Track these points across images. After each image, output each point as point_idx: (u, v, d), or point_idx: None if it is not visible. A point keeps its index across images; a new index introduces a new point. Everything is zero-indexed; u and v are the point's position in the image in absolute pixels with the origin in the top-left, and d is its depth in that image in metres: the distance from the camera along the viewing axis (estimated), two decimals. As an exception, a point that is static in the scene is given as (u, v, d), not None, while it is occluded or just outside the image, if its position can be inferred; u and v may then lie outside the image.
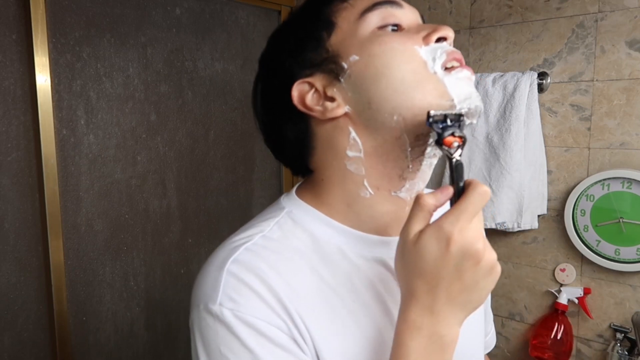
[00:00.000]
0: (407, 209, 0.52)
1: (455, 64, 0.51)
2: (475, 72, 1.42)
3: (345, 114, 0.52)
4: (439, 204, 0.47)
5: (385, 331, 0.53)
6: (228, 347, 0.46)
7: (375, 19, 0.52)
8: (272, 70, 0.57)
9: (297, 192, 0.59)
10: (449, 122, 0.47)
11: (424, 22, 0.56)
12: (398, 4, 0.53)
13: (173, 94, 1.42)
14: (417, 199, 0.46)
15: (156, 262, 1.43)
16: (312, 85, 0.53)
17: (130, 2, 1.30)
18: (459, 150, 0.47)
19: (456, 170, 0.46)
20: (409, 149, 0.52)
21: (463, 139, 0.47)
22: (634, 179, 1.19)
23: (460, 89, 0.50)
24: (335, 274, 0.53)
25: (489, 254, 0.44)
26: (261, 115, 0.59)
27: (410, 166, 0.53)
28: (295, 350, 0.48)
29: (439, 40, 0.51)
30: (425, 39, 0.51)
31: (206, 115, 1.51)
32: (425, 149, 0.52)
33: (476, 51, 1.43)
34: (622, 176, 1.21)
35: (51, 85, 1.16)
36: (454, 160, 0.46)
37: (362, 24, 0.52)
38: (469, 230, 0.43)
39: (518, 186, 1.31)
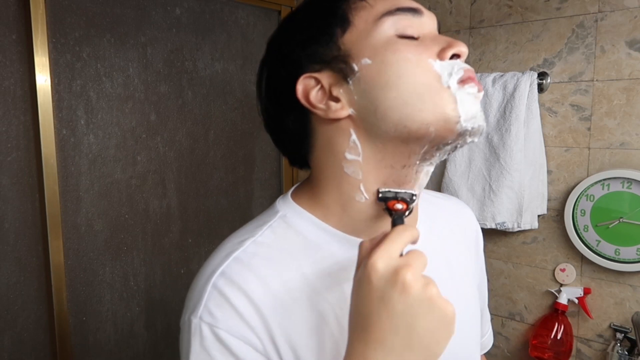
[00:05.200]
0: None
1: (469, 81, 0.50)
2: (475, 72, 1.42)
3: (349, 116, 0.51)
4: (375, 242, 0.45)
5: None
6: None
7: (392, 24, 0.50)
8: (279, 57, 0.55)
9: (293, 194, 0.58)
10: (398, 198, 0.51)
11: (439, 30, 0.55)
12: (419, 12, 0.52)
13: (173, 94, 1.42)
14: (359, 246, 0.46)
15: (156, 262, 1.42)
16: (318, 82, 0.52)
17: (130, 2, 1.30)
18: (404, 214, 0.49)
19: (393, 223, 0.48)
20: (408, 158, 0.51)
21: (408, 207, 0.50)
22: (634, 179, 1.19)
23: (468, 107, 0.49)
24: (325, 280, 0.52)
25: (425, 287, 0.40)
26: (264, 101, 0.58)
27: (407, 174, 0.52)
28: None
29: (453, 56, 0.50)
30: (440, 54, 0.50)
31: (206, 115, 1.51)
32: (424, 158, 0.51)
33: (476, 51, 1.43)
34: (622, 176, 1.21)
35: (51, 85, 1.16)
36: (395, 216, 0.49)
37: (379, 27, 0.50)
38: (392, 260, 0.41)
39: (518, 186, 1.31)
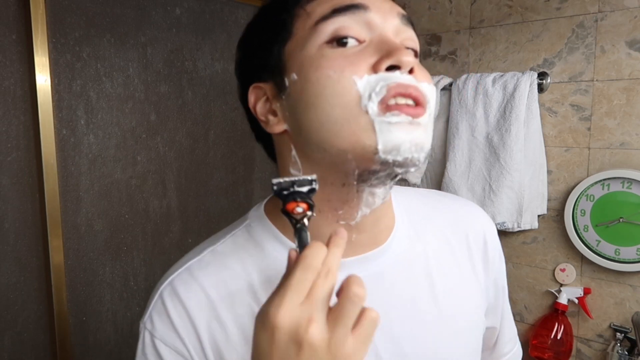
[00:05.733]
0: (354, 235, 0.50)
1: (401, 100, 0.43)
2: (475, 72, 1.42)
3: (285, 131, 0.49)
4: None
5: None
6: None
7: (329, 29, 0.45)
8: (238, 64, 0.54)
9: (267, 202, 0.57)
10: (295, 188, 0.42)
11: (412, 23, 0.49)
12: (362, 7, 0.45)
13: (173, 94, 1.42)
14: (288, 253, 0.42)
15: (156, 262, 1.42)
16: (265, 92, 0.49)
17: (130, 2, 1.30)
18: (306, 216, 0.42)
19: (298, 237, 0.41)
20: (345, 177, 0.47)
21: (309, 205, 0.42)
22: (634, 179, 1.19)
23: (389, 136, 0.42)
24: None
25: (328, 344, 0.36)
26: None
27: (349, 192, 0.48)
28: None
29: (391, 68, 0.43)
30: (375, 66, 0.43)
31: (206, 115, 1.51)
32: (362, 180, 0.46)
33: (476, 51, 1.43)
34: (622, 176, 1.21)
35: (51, 85, 1.16)
36: (297, 226, 0.42)
37: (312, 36, 0.45)
38: (295, 312, 0.36)
39: (518, 186, 1.31)
